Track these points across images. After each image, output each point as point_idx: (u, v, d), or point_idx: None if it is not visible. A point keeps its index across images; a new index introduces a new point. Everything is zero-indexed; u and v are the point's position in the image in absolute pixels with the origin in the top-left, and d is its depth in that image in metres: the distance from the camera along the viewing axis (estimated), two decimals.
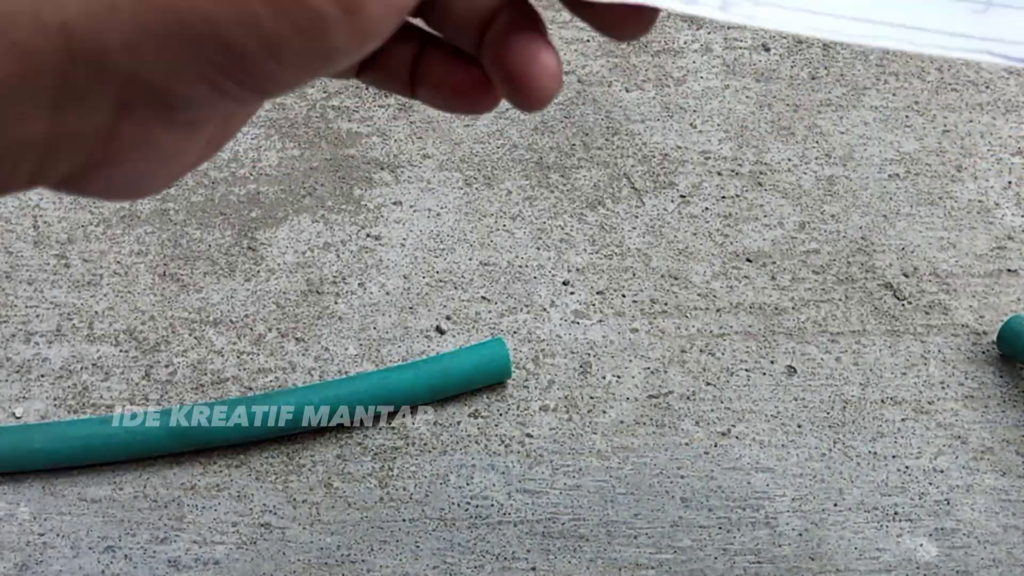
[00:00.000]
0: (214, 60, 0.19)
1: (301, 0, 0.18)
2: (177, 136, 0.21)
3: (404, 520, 0.46)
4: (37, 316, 0.53)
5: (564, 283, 0.55)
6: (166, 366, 0.51)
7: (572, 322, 0.53)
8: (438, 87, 0.24)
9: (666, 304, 0.53)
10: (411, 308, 0.53)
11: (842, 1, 0.22)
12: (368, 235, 0.57)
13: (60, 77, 0.18)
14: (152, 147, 0.21)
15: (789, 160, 0.61)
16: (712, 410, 0.49)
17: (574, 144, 0.62)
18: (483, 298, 0.54)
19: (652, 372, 0.51)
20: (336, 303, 0.54)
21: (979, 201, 0.59)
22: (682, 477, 0.47)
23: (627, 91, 0.64)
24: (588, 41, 0.67)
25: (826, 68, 0.66)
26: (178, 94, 0.19)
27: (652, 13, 0.21)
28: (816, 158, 0.61)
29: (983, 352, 0.51)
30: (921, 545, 0.45)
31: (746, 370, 0.51)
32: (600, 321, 0.53)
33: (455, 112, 0.25)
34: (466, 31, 0.23)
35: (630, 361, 0.51)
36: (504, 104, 0.31)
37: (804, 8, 0.22)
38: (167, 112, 0.20)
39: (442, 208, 0.58)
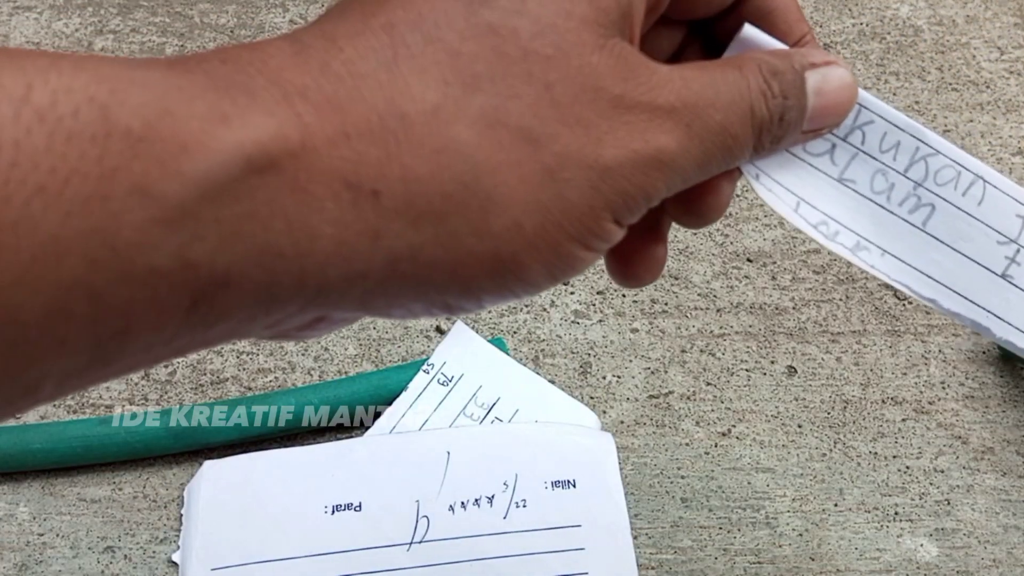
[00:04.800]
0: (429, 307, 0.22)
1: (523, 278, 0.21)
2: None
3: None
4: None
5: (564, 283, 0.54)
6: (165, 366, 0.51)
7: (572, 322, 0.53)
8: None
9: (666, 304, 0.53)
10: None
11: (962, 283, 0.27)
12: None
13: (296, 310, 0.21)
14: (331, 328, 0.24)
15: None
16: (712, 410, 0.49)
17: None
18: None
19: (652, 372, 0.51)
20: None
21: None
22: (682, 477, 0.47)
23: None
24: None
25: None
26: (379, 315, 0.22)
27: (727, 200, 0.26)
28: None
29: (983, 352, 0.51)
30: (921, 545, 0.45)
31: (746, 370, 0.51)
32: (600, 321, 0.53)
33: None
34: None
35: (630, 361, 0.51)
36: None
37: (924, 273, 0.25)
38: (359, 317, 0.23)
39: None
